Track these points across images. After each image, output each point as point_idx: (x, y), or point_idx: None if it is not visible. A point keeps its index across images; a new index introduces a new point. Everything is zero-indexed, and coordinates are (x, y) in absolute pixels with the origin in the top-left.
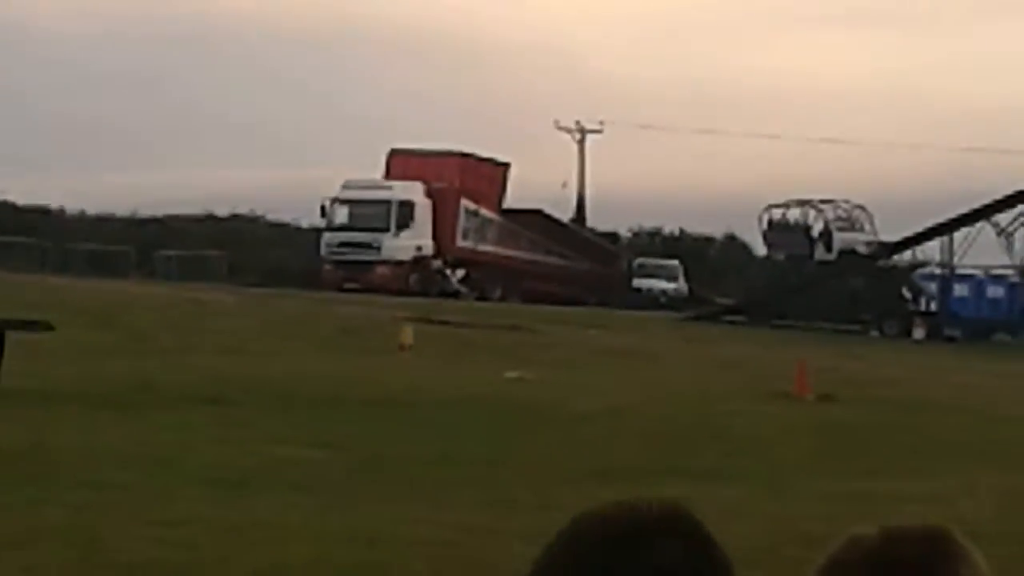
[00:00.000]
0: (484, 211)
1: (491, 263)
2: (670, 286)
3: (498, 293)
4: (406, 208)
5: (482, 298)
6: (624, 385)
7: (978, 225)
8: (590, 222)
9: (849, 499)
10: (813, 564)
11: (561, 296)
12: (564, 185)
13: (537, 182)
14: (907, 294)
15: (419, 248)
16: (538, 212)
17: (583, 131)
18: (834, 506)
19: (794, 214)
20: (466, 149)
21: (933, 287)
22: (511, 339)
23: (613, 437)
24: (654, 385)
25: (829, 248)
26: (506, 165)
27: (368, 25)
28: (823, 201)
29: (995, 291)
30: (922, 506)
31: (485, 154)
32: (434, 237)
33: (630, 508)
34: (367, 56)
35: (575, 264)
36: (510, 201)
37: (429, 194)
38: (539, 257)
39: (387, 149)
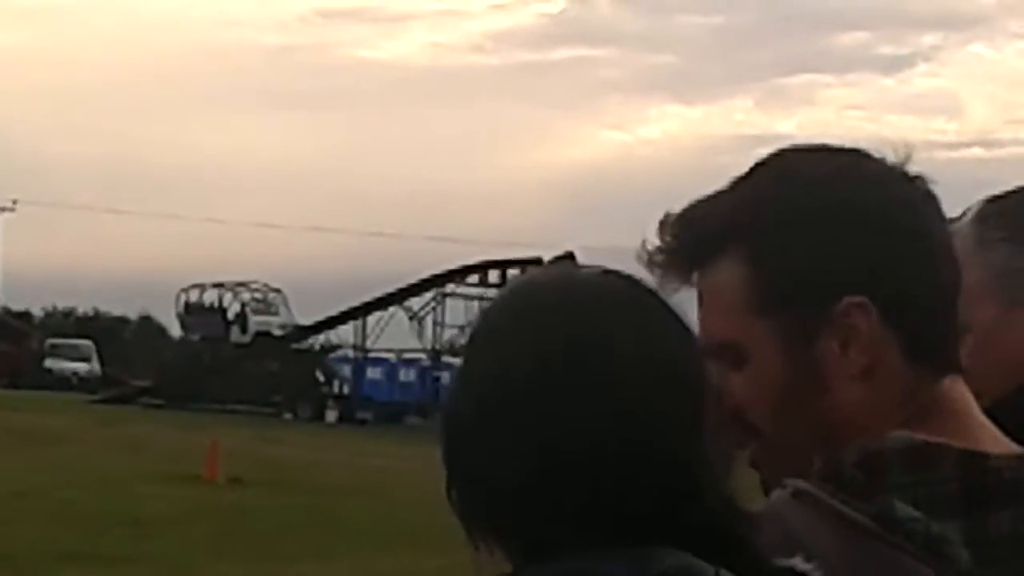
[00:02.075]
0: None
1: None
2: (83, 367)
3: None
4: None
5: None
6: (31, 467)
7: (391, 309)
8: (2, 301)
9: None
10: None
11: None
12: None
13: None
14: (321, 377)
15: None
16: None
17: None
18: None
19: (210, 296)
20: None
21: (346, 370)
22: None
23: (15, 521)
24: (62, 467)
25: (244, 330)
26: None
27: None
28: (239, 284)
29: (407, 374)
30: None
31: None
32: None
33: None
34: None
35: None
36: None
37: None
38: None
39: None
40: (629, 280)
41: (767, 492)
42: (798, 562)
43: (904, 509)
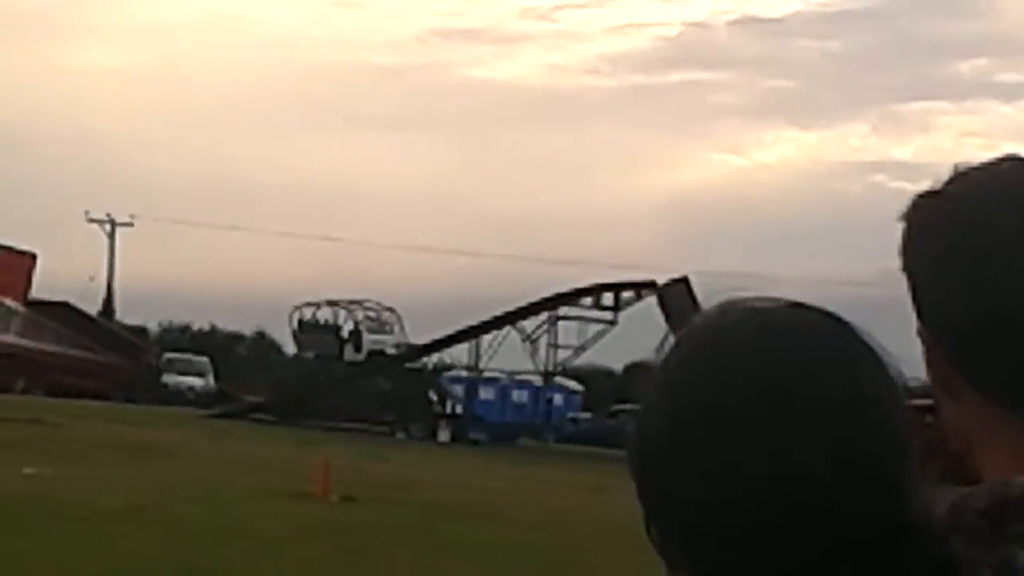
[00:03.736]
0: (8, 302)
1: (14, 355)
2: (198, 382)
3: (21, 386)
4: None
5: (4, 390)
6: (147, 482)
7: (505, 330)
8: (119, 316)
9: None
10: None
11: (88, 390)
12: (92, 278)
13: (65, 274)
14: (434, 396)
15: None
16: (65, 305)
17: (113, 224)
18: None
19: (324, 314)
20: None
21: (459, 390)
22: (31, 433)
23: (132, 536)
24: (177, 482)
25: (358, 349)
26: (32, 256)
27: None
28: (353, 302)
29: (519, 395)
30: None
31: (7, 243)
32: None
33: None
34: None
35: (102, 358)
36: (36, 292)
37: None
38: (65, 350)
39: None
40: (824, 312)
41: None
42: None
43: None
